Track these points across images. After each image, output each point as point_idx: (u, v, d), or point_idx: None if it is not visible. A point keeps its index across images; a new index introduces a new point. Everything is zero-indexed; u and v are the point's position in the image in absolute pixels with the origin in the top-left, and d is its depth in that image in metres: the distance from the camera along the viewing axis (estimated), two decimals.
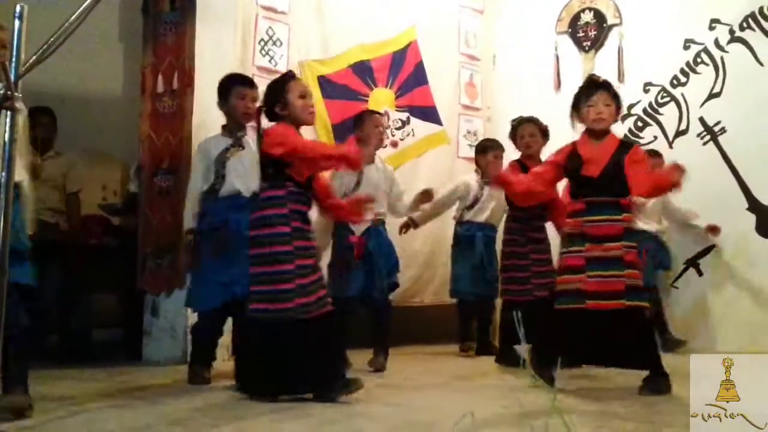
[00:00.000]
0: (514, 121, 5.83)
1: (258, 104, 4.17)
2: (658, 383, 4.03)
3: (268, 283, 3.75)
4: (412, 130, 6.99)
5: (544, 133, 5.76)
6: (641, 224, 6.02)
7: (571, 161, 4.28)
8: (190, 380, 4.37)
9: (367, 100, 6.66)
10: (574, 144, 4.39)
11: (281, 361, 3.74)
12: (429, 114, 7.17)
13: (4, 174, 2.37)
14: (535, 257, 5.48)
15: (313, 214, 4.17)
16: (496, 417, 3.11)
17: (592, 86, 4.39)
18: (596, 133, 4.32)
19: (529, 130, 5.65)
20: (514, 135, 5.76)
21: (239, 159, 4.55)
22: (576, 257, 4.14)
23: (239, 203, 4.44)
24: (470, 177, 6.42)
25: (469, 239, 6.22)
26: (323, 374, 3.74)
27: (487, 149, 6.27)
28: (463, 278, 6.21)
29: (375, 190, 5.13)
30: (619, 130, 7.16)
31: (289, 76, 4.07)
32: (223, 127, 4.66)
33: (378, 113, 5.60)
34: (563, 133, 7.19)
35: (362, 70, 6.66)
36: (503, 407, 3.39)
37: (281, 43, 6.01)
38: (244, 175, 4.49)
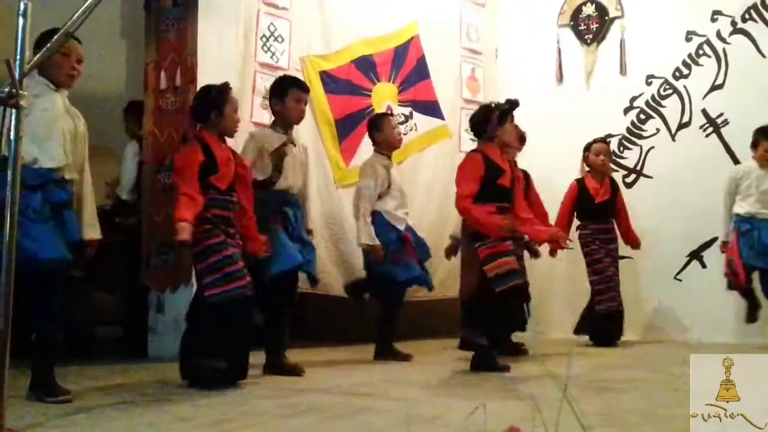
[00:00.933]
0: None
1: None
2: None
3: (217, 271, 3.91)
4: (415, 124, 6.99)
5: (522, 139, 6.03)
6: None
7: (489, 170, 4.75)
8: None
9: (369, 95, 6.66)
10: (483, 153, 4.82)
11: (237, 341, 4.00)
12: (431, 108, 7.16)
13: (10, 172, 2.36)
14: None
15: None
16: (505, 409, 3.12)
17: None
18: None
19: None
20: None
21: (293, 157, 4.70)
22: (502, 245, 4.67)
23: (288, 199, 4.66)
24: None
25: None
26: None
27: None
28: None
29: (400, 190, 5.51)
30: (622, 123, 7.20)
31: (229, 88, 4.22)
32: (274, 122, 4.79)
33: (391, 115, 5.85)
34: (565, 125, 7.27)
35: (365, 64, 6.65)
36: (512, 399, 3.40)
37: (283, 39, 6.01)
38: (294, 173, 4.70)
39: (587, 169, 6.61)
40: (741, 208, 6.08)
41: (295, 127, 5.99)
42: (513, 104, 4.93)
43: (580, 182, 6.60)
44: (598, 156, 6.54)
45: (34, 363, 3.60)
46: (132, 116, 5.82)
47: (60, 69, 3.65)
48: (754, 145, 6.10)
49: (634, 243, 6.57)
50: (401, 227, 5.44)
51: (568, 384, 1.92)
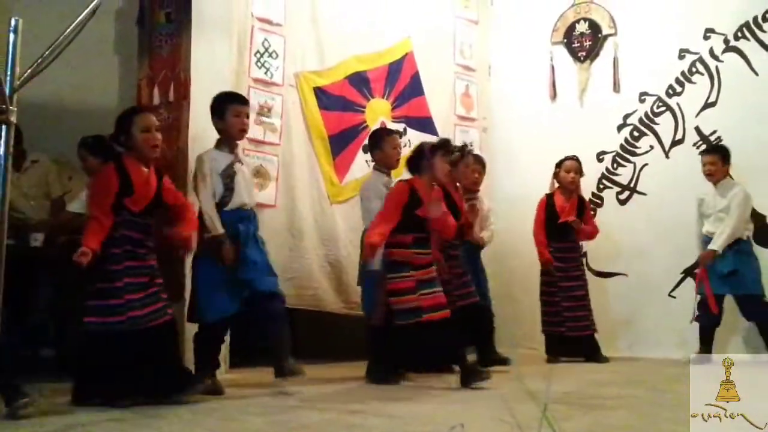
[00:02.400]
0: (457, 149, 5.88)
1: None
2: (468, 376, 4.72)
3: (101, 298, 3.94)
4: (409, 140, 6.97)
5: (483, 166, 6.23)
6: None
7: (412, 201, 4.94)
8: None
9: (363, 111, 6.67)
10: (411, 183, 5.03)
11: (117, 368, 3.92)
12: (425, 125, 7.17)
13: None
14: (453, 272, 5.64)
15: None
16: (487, 428, 3.11)
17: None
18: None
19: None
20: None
21: (242, 173, 4.69)
22: (407, 281, 4.86)
23: (244, 214, 4.65)
24: None
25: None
26: (162, 379, 3.99)
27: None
28: None
29: None
30: (615, 140, 7.22)
31: (136, 110, 4.28)
32: (219, 141, 4.72)
33: (397, 132, 5.95)
34: (559, 143, 7.28)
35: (359, 81, 6.67)
36: (496, 418, 3.39)
37: (277, 55, 6.03)
38: (248, 188, 4.73)
39: (557, 185, 6.63)
40: (704, 229, 6.21)
41: (291, 142, 6.05)
42: (445, 143, 5.25)
43: (549, 198, 6.62)
44: (569, 173, 6.56)
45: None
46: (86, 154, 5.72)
47: None
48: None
49: (588, 233, 6.63)
50: None
51: (548, 403, 1.91)
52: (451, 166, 5.72)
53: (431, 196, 4.99)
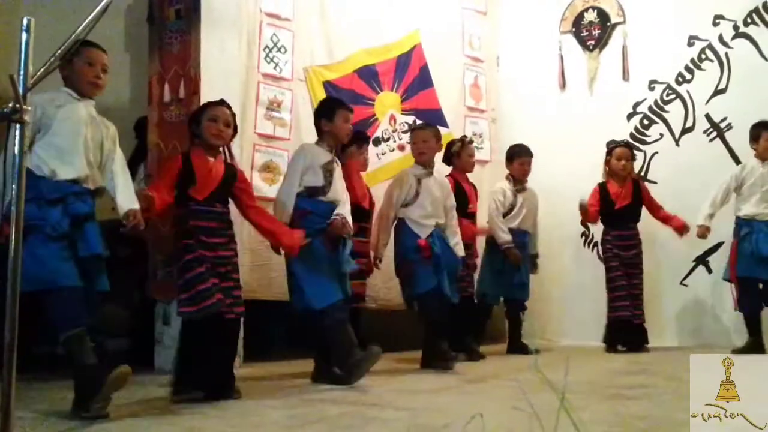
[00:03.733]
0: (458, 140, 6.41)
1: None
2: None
3: (190, 289, 3.98)
4: None
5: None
6: None
7: None
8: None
9: (373, 104, 6.68)
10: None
11: (213, 356, 4.02)
12: (435, 116, 7.16)
13: (14, 186, 2.37)
14: None
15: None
16: (506, 418, 3.11)
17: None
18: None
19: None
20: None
21: (338, 173, 4.84)
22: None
23: (335, 209, 4.73)
24: (504, 184, 6.60)
25: (497, 245, 6.41)
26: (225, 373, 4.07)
27: (513, 156, 6.58)
28: (485, 281, 6.46)
29: (433, 200, 5.51)
30: (625, 129, 7.20)
31: (212, 103, 4.28)
32: (321, 139, 4.86)
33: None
34: (569, 132, 7.27)
35: (368, 74, 6.67)
36: (513, 408, 3.39)
37: (286, 50, 6.03)
38: (342, 189, 4.86)
39: (609, 172, 6.58)
40: (741, 210, 5.99)
41: (301, 137, 6.06)
42: (358, 136, 5.50)
43: (602, 186, 6.57)
44: (620, 161, 6.49)
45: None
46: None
47: (84, 77, 3.67)
48: (756, 138, 6.02)
49: (679, 227, 6.41)
50: (423, 235, 5.45)
51: (566, 392, 1.91)
52: (454, 157, 6.15)
53: (361, 183, 5.36)
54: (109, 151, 3.79)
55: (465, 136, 6.51)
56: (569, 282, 7.17)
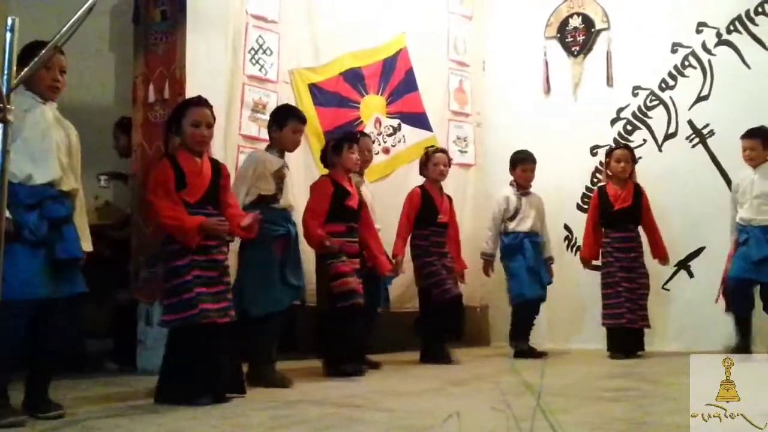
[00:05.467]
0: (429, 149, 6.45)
1: None
2: None
3: (175, 295, 3.98)
4: (403, 136, 7.02)
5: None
6: None
7: (338, 192, 5.25)
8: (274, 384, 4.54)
9: (358, 107, 6.70)
10: (331, 177, 5.32)
11: (197, 364, 3.96)
12: (419, 120, 7.20)
13: None
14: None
15: None
16: (483, 419, 3.13)
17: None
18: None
19: (443, 160, 6.25)
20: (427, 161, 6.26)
21: (290, 178, 4.93)
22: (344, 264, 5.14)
23: (289, 216, 4.87)
24: (507, 190, 6.66)
25: (518, 246, 6.50)
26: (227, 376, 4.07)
27: (516, 162, 6.65)
28: (523, 282, 6.45)
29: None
30: (609, 134, 7.25)
31: (191, 103, 4.24)
32: (271, 146, 4.95)
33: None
34: (553, 137, 7.31)
35: (353, 77, 6.69)
36: (492, 409, 3.41)
37: (271, 52, 6.03)
38: (293, 195, 4.97)
39: (610, 174, 6.59)
40: (738, 215, 6.02)
41: None
42: (350, 135, 5.58)
43: (601, 189, 6.60)
44: (619, 162, 6.48)
45: (29, 379, 3.57)
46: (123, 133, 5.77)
47: (42, 81, 3.61)
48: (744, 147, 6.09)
49: (660, 257, 6.44)
50: None
51: (543, 395, 1.92)
52: (421, 166, 6.24)
53: (351, 185, 5.35)
54: (76, 152, 3.77)
55: (430, 147, 6.53)
56: (553, 286, 7.18)
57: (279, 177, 4.78)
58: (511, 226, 6.52)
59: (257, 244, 4.58)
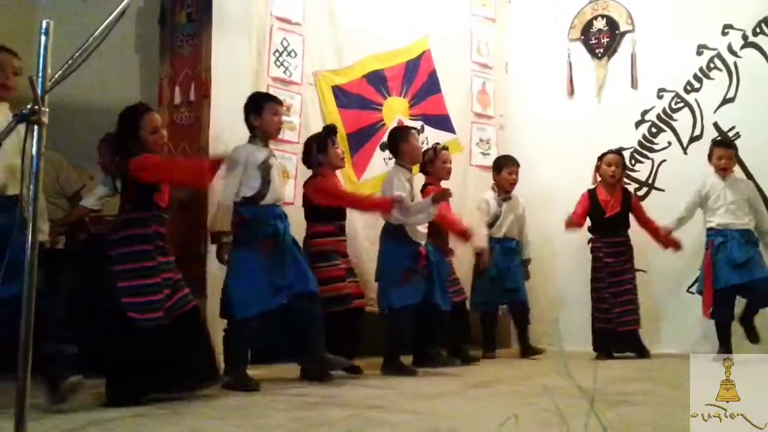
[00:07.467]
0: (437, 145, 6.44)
1: None
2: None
3: (139, 296, 3.98)
4: (426, 138, 7.01)
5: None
6: None
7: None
8: (243, 387, 4.46)
9: (381, 110, 6.70)
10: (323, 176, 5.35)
11: (151, 362, 3.96)
12: (442, 122, 7.20)
13: (32, 187, 2.39)
14: None
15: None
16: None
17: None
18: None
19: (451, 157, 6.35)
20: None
21: (276, 168, 4.80)
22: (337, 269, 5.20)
23: (278, 212, 4.76)
24: (488, 195, 6.77)
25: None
26: (190, 369, 4.11)
27: (502, 166, 6.75)
28: (480, 291, 6.62)
29: None
30: (633, 136, 7.22)
31: (140, 111, 4.23)
32: (252, 137, 4.81)
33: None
34: (577, 139, 7.28)
35: (376, 79, 6.70)
36: (511, 413, 3.41)
37: (296, 54, 6.06)
38: (281, 184, 4.86)
39: (599, 179, 6.62)
40: (713, 221, 6.16)
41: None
42: (329, 130, 5.51)
43: (591, 192, 6.61)
44: (609, 167, 6.54)
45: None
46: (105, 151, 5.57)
47: None
48: (710, 156, 6.25)
49: (670, 245, 6.48)
50: (421, 242, 5.56)
51: (593, 396, 1.93)
52: (428, 166, 6.16)
53: (337, 184, 5.43)
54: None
55: (437, 144, 6.50)
56: (564, 288, 7.19)
57: (265, 168, 4.68)
58: (487, 232, 6.65)
59: (242, 246, 4.60)
